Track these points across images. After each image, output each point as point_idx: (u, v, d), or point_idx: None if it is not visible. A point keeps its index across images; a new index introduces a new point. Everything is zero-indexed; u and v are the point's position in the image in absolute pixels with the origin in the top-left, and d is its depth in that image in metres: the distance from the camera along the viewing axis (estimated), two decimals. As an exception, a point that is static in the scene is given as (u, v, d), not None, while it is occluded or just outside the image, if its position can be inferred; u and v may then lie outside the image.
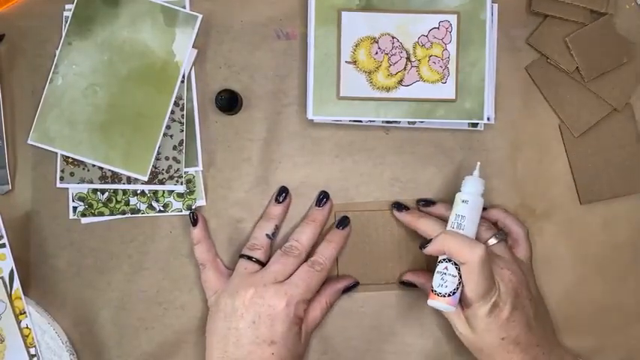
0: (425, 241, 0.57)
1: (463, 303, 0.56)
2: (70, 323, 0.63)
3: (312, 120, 0.63)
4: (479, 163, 0.59)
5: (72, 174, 0.62)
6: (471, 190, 0.57)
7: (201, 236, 0.61)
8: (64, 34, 0.62)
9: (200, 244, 0.61)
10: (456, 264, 0.55)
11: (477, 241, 0.55)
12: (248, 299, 0.56)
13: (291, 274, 0.58)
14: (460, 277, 0.54)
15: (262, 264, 0.59)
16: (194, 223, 0.61)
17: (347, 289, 0.62)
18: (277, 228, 0.62)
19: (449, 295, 0.54)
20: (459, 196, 0.57)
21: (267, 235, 0.60)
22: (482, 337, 0.55)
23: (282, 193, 0.62)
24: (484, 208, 0.58)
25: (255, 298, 0.56)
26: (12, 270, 0.60)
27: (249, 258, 0.59)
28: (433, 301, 0.55)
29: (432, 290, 0.56)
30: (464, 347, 0.58)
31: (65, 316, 0.63)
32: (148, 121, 0.62)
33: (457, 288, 0.54)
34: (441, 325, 0.63)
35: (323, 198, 0.62)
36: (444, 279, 0.55)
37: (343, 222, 0.62)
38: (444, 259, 0.56)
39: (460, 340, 0.58)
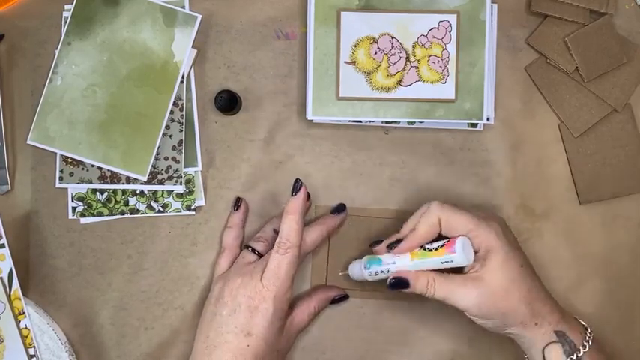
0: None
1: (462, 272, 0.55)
2: (69, 323, 0.63)
3: (312, 120, 0.63)
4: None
5: (71, 174, 0.62)
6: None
7: (236, 222, 0.62)
8: (63, 34, 0.62)
9: (232, 229, 0.62)
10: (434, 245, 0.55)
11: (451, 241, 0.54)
12: (235, 288, 0.56)
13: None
14: (442, 238, 0.54)
15: (261, 256, 0.59)
16: (236, 208, 0.62)
17: (336, 300, 0.62)
18: None
19: (437, 249, 0.54)
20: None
21: (274, 229, 0.60)
22: (491, 284, 0.53)
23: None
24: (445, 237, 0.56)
25: (240, 288, 0.56)
26: (11, 270, 0.60)
27: (250, 248, 0.60)
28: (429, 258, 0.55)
29: (423, 247, 0.55)
30: (465, 347, 0.58)
31: (65, 316, 0.63)
32: (147, 121, 0.62)
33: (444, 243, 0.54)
34: (442, 326, 0.63)
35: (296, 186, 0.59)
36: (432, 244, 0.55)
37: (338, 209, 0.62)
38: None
39: (463, 337, 0.58)
